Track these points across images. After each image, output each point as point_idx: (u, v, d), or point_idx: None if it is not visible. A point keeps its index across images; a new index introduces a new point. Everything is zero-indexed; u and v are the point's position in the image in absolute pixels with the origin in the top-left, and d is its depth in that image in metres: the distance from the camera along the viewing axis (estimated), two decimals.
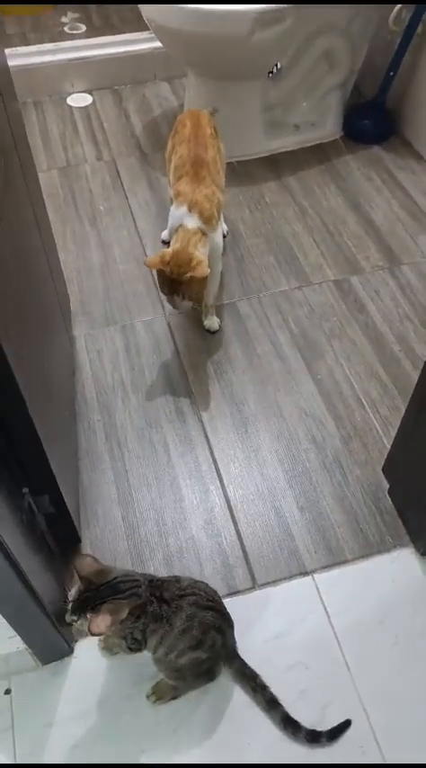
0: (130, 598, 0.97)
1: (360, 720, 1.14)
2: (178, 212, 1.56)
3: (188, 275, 1.45)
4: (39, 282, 1.27)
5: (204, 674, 1.12)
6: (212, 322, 1.77)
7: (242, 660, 1.15)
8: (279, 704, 1.13)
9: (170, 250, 1.49)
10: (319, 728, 1.11)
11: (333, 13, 2.05)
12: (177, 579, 1.09)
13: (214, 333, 1.77)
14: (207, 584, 1.13)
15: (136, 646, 1.04)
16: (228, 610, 1.13)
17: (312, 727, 1.11)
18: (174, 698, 1.15)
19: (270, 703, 1.13)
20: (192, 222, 1.53)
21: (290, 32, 1.98)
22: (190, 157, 1.63)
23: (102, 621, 0.92)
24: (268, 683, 1.14)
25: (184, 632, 1.03)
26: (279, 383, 1.65)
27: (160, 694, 1.15)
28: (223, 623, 1.10)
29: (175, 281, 1.47)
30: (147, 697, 1.16)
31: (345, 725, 1.13)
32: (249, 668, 1.15)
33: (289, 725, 1.11)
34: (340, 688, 1.17)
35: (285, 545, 1.36)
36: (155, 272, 1.55)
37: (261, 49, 1.97)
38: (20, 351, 0.95)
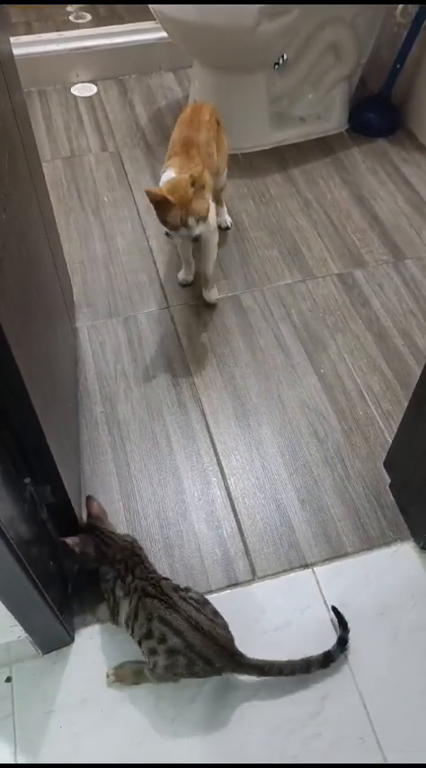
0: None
1: (359, 711, 1.15)
2: (164, 175, 1.56)
3: (192, 190, 1.45)
4: (42, 272, 1.27)
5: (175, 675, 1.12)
6: (212, 294, 1.79)
7: (251, 663, 1.12)
8: (306, 663, 1.14)
9: (165, 185, 1.48)
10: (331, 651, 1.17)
11: (339, 5, 2.04)
12: (165, 579, 1.15)
13: (213, 306, 1.80)
14: (197, 594, 1.13)
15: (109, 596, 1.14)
16: (229, 602, 1.13)
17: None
18: (135, 684, 1.16)
19: (303, 668, 1.13)
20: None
21: (296, 24, 1.97)
22: (181, 139, 1.64)
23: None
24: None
25: (135, 615, 1.09)
26: (282, 376, 1.65)
27: (120, 678, 1.16)
28: (182, 626, 1.06)
29: (184, 203, 1.46)
30: (107, 676, 1.17)
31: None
32: (266, 665, 1.12)
33: (326, 661, 1.15)
34: (339, 679, 1.18)
35: (285, 538, 1.37)
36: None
37: (266, 40, 1.96)
38: (23, 341, 0.95)
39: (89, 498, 1.27)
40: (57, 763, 1.10)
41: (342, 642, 1.19)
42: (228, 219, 2.01)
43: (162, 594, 1.09)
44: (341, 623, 1.21)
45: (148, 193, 1.47)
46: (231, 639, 1.10)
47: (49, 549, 1.13)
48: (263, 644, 1.21)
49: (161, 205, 1.48)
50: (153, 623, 1.07)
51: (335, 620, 1.23)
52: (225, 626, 1.11)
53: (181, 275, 1.86)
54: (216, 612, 1.12)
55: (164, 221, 1.52)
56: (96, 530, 1.20)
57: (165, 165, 1.62)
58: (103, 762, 1.10)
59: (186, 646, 1.06)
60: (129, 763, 1.10)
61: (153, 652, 1.07)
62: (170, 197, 1.45)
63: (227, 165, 1.88)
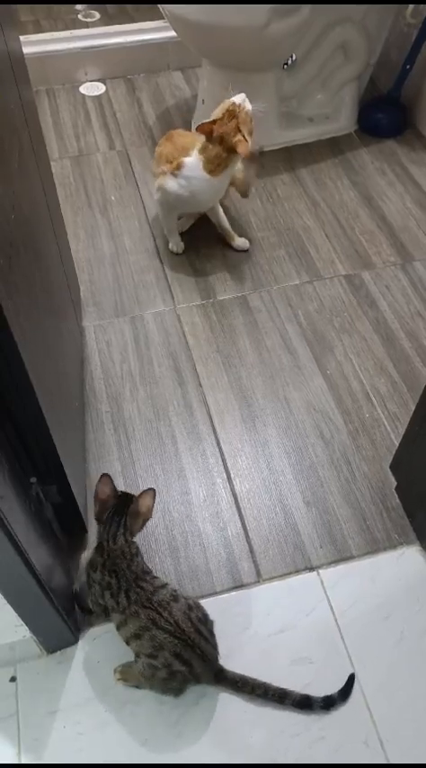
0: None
1: (363, 714, 1.14)
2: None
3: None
4: (50, 270, 1.27)
5: (170, 689, 1.12)
6: (240, 242, 1.94)
7: (229, 678, 1.13)
8: (288, 692, 1.13)
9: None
10: (331, 695, 1.15)
11: (349, 5, 2.03)
12: (163, 586, 1.09)
13: (245, 251, 1.95)
14: (198, 609, 1.10)
15: (97, 608, 1.10)
16: (234, 603, 1.13)
17: (324, 695, 1.14)
18: (137, 687, 1.16)
19: (281, 697, 1.13)
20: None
21: (306, 23, 1.96)
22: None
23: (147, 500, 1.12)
24: (267, 679, 1.13)
25: (136, 637, 1.05)
26: (288, 377, 1.65)
27: (125, 677, 1.16)
28: (189, 655, 1.05)
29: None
30: (115, 671, 1.17)
31: (350, 681, 1.16)
32: (240, 679, 1.13)
33: (305, 705, 1.13)
34: (343, 682, 1.17)
35: (291, 540, 1.36)
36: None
37: (276, 40, 1.95)
38: (30, 339, 0.95)
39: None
40: (60, 763, 1.10)
41: (328, 702, 1.14)
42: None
43: (178, 629, 1.04)
44: (345, 691, 1.16)
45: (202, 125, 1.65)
46: (217, 656, 1.12)
47: (55, 547, 1.13)
48: (267, 646, 1.21)
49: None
50: (163, 653, 1.04)
51: (340, 624, 1.23)
52: (215, 645, 1.11)
53: (173, 246, 1.92)
54: (211, 632, 1.11)
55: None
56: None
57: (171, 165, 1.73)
58: (107, 762, 1.10)
59: (189, 671, 1.07)
60: (132, 764, 1.10)
61: (147, 661, 1.07)
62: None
63: None
